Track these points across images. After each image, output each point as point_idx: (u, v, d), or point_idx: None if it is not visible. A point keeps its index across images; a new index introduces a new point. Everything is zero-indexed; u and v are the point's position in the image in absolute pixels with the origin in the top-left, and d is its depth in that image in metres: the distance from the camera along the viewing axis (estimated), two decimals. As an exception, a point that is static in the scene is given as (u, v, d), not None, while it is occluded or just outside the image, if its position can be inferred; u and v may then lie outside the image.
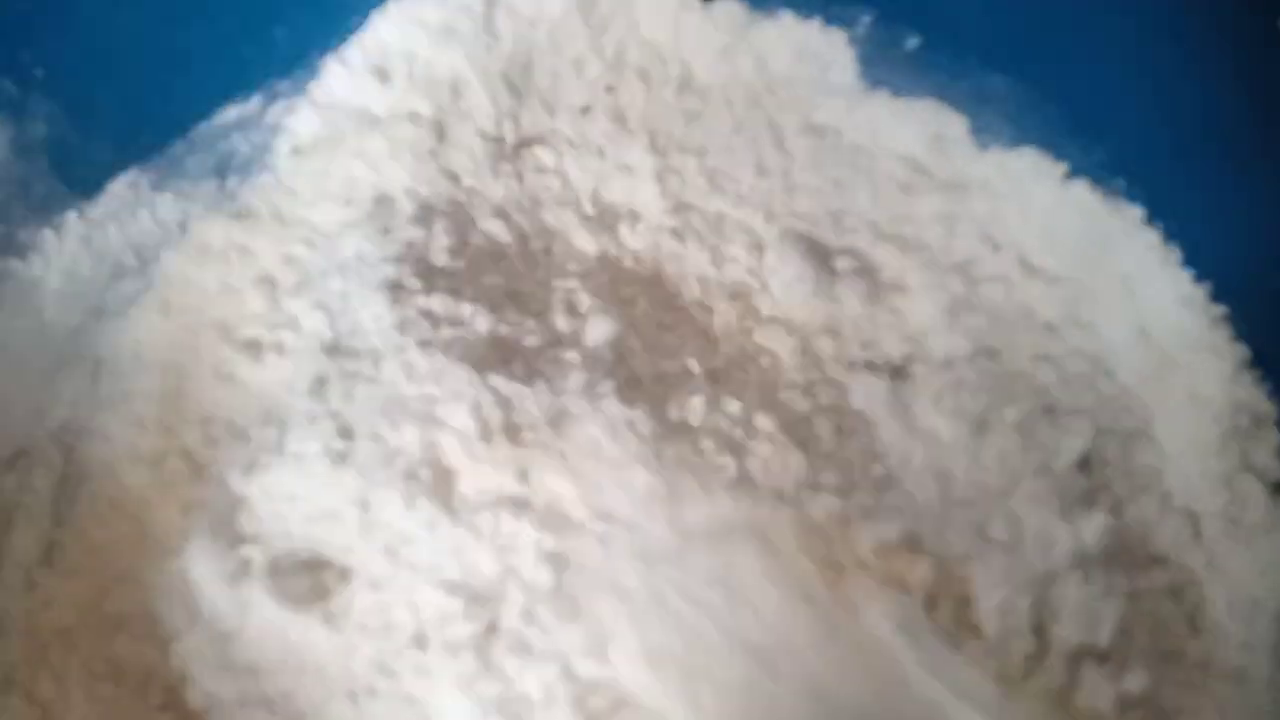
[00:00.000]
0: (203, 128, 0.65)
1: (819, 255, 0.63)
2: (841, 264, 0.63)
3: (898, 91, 0.66)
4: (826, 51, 0.67)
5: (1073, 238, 0.63)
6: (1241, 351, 0.59)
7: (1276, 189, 0.57)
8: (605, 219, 0.65)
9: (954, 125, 0.66)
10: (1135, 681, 0.51)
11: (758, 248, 0.64)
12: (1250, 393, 0.58)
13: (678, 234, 0.64)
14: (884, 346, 0.61)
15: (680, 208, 0.65)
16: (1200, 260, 0.60)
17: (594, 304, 0.59)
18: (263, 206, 0.65)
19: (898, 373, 0.60)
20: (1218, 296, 0.60)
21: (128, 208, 0.64)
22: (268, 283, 0.63)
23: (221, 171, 0.66)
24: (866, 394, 0.58)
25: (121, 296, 0.63)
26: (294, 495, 0.53)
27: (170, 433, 0.60)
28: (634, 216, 0.65)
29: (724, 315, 0.62)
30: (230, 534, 0.53)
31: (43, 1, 0.56)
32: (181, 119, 0.64)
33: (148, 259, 0.64)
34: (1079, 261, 0.62)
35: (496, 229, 0.63)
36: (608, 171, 0.65)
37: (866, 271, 0.63)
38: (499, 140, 0.66)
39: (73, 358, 0.62)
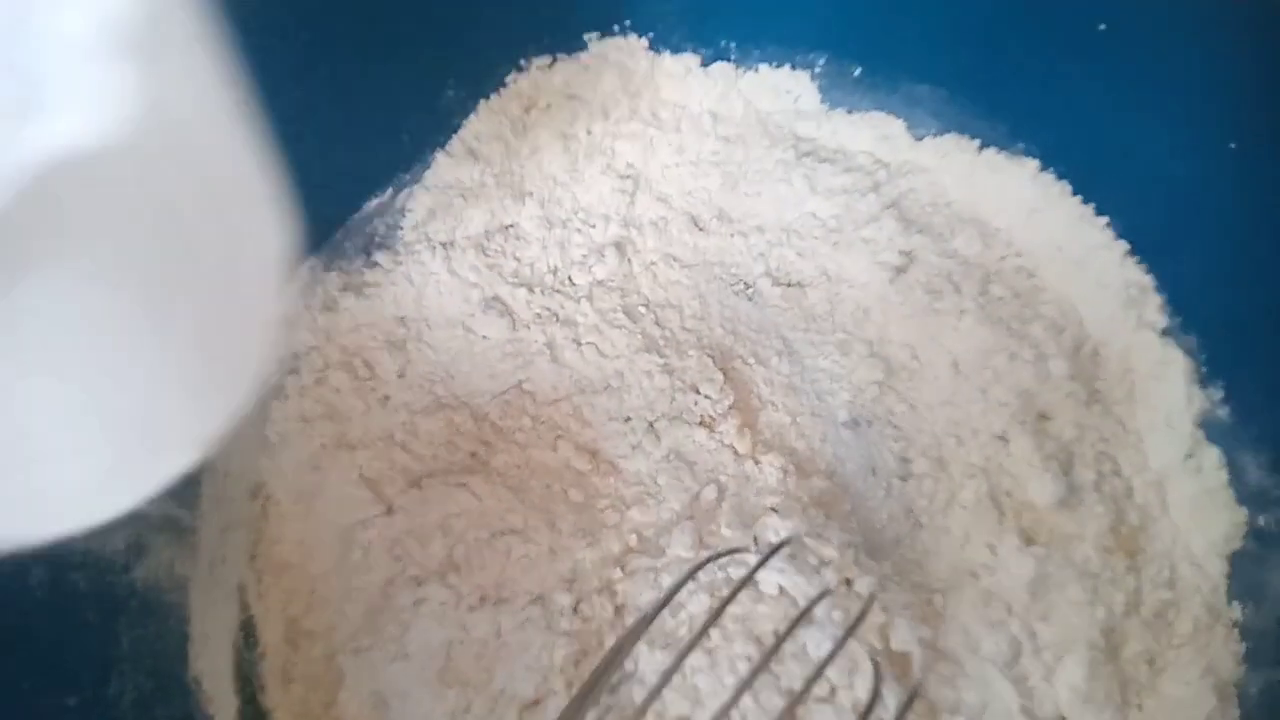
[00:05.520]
0: (354, 218, 0.86)
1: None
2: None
3: (851, 109, 0.91)
4: (795, 87, 0.92)
5: (993, 189, 0.88)
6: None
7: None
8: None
9: (894, 126, 0.91)
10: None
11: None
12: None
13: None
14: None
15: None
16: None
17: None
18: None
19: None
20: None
21: (308, 287, 0.84)
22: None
23: (367, 249, 0.86)
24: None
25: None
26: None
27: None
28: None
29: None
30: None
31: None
32: (342, 213, 0.85)
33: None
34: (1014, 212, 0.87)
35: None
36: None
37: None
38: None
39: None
